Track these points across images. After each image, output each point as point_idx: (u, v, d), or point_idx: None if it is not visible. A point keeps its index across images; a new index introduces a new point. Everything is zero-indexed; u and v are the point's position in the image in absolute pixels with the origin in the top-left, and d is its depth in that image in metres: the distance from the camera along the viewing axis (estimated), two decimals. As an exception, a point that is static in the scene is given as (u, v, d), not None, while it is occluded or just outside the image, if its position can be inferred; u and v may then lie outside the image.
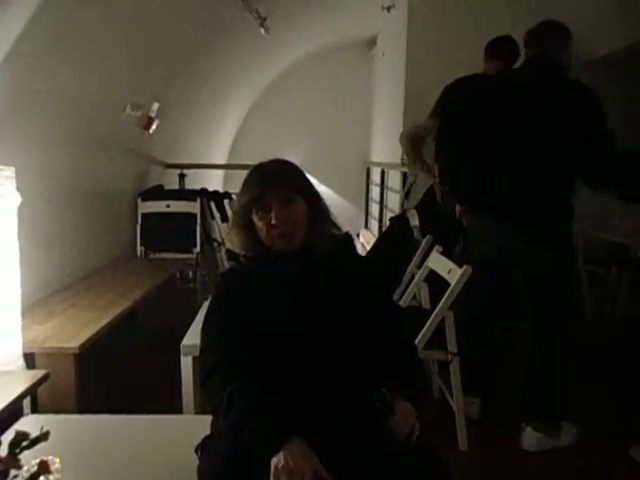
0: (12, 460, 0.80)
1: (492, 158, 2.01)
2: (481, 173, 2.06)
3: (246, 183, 1.19)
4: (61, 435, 1.35)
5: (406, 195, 3.14)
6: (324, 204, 1.21)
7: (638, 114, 3.37)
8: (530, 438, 2.02)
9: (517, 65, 2.44)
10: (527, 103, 1.93)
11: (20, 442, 0.83)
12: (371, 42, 6.09)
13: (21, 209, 1.69)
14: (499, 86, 2.08)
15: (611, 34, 3.16)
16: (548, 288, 2.00)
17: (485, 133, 2.04)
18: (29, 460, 0.94)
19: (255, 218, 1.15)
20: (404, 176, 3.57)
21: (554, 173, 1.93)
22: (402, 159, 3.27)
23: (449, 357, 1.99)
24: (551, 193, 1.95)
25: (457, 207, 2.30)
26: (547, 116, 1.89)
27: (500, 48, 2.58)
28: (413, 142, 2.93)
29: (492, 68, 2.59)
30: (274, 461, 0.94)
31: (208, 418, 1.19)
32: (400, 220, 3.07)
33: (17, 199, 1.66)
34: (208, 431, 1.18)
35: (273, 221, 1.12)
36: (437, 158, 2.68)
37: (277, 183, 1.15)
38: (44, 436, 0.87)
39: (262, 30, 3.68)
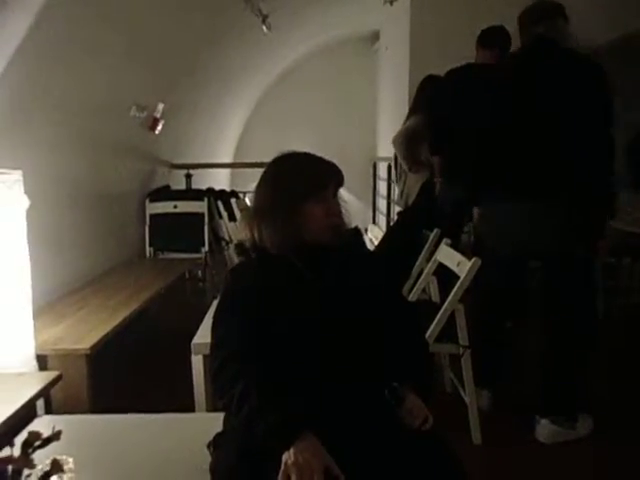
0: (25, 460, 0.80)
1: (518, 141, 1.96)
2: (506, 158, 2.00)
3: (300, 170, 1.17)
4: (75, 435, 1.37)
5: (401, 195, 3.16)
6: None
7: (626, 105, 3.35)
8: (546, 430, 2.01)
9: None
10: (543, 84, 1.91)
11: (33, 442, 0.84)
12: (374, 37, 6.06)
13: (30, 212, 1.70)
14: (511, 69, 2.06)
15: (598, 27, 3.13)
16: (571, 278, 1.96)
17: (504, 118, 1.99)
18: (43, 460, 0.95)
19: (313, 207, 1.13)
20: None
21: (583, 151, 1.89)
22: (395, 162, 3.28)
23: (460, 350, 1.98)
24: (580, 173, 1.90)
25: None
26: (566, 95, 1.88)
27: (493, 38, 2.57)
28: (410, 142, 2.92)
29: (484, 57, 2.58)
30: (284, 457, 0.93)
31: (220, 416, 1.19)
32: (409, 214, 3.06)
33: (25, 203, 1.67)
34: (220, 428, 1.18)
35: (333, 210, 1.14)
36: (435, 151, 2.68)
37: (336, 175, 1.17)
38: (56, 436, 0.88)
39: (264, 28, 3.67)
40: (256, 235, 1.18)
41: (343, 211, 1.18)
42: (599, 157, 1.87)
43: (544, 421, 2.01)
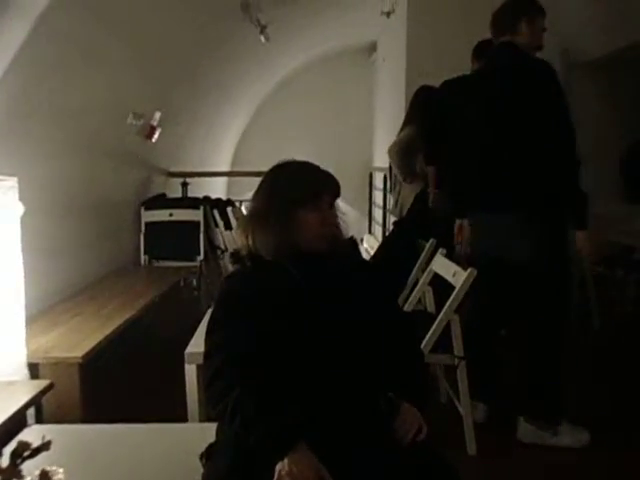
0: (13, 470, 0.79)
1: (485, 153, 2.05)
2: (476, 169, 2.09)
3: (296, 178, 1.17)
4: (66, 445, 1.35)
5: (395, 204, 3.18)
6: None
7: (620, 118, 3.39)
8: (522, 428, 2.03)
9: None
10: (501, 93, 1.98)
11: (22, 452, 0.82)
12: (371, 48, 6.12)
13: (24, 219, 1.70)
14: (477, 83, 2.14)
15: (596, 40, 3.17)
16: (536, 281, 2.01)
17: (474, 129, 2.08)
18: (33, 471, 0.93)
19: (307, 215, 1.13)
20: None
21: (536, 158, 1.94)
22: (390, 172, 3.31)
23: (455, 361, 1.97)
24: (537, 177, 1.95)
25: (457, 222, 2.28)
26: (517, 103, 1.94)
27: (485, 50, 2.60)
28: (405, 153, 2.93)
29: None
30: (278, 467, 0.92)
31: (213, 426, 1.18)
32: (404, 224, 3.06)
33: (20, 209, 1.67)
34: (213, 439, 1.17)
35: (329, 219, 1.13)
36: (429, 162, 2.71)
37: (333, 184, 1.17)
38: (45, 446, 0.86)
39: (262, 38, 3.70)
40: (250, 241, 1.18)
41: (340, 222, 1.18)
42: (563, 165, 1.91)
43: (521, 419, 2.04)
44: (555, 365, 2.04)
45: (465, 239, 2.23)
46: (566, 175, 1.91)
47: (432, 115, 2.67)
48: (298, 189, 1.15)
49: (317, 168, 1.21)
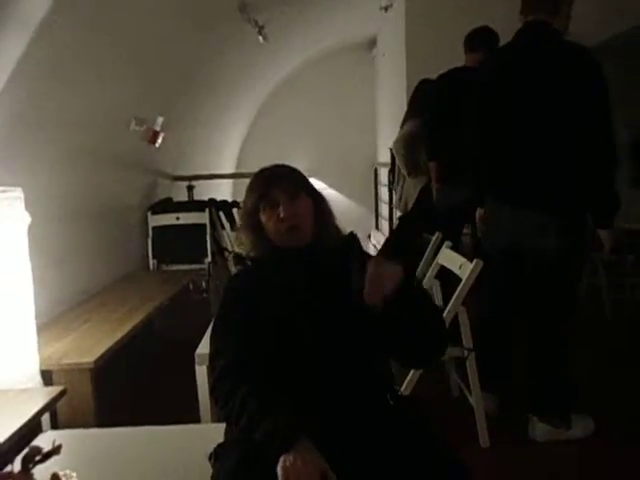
0: (25, 475, 0.80)
1: (514, 142, 1.94)
2: (500, 159, 1.98)
3: (251, 186, 1.23)
4: (80, 449, 1.37)
5: (400, 199, 3.17)
6: (328, 204, 1.24)
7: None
8: (537, 429, 2.00)
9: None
10: (544, 76, 1.86)
11: (33, 457, 0.84)
12: (371, 43, 6.10)
13: (31, 229, 1.72)
14: (502, 65, 1.99)
15: (598, 24, 3.14)
16: (553, 276, 1.96)
17: (499, 117, 1.96)
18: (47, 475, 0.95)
19: (263, 216, 1.18)
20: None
21: (571, 150, 1.86)
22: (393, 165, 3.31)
23: (465, 353, 1.97)
24: (570, 173, 1.87)
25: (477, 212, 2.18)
26: (557, 88, 1.85)
27: (478, 40, 2.58)
28: (410, 147, 2.92)
29: (472, 60, 2.60)
30: (282, 459, 0.93)
31: (224, 426, 1.19)
32: (409, 218, 3.06)
33: (27, 219, 1.69)
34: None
35: (282, 214, 1.15)
36: (431, 157, 2.69)
37: (282, 180, 1.19)
38: (56, 450, 0.87)
39: (261, 38, 3.71)
40: (242, 245, 1.24)
41: (301, 211, 1.18)
42: (602, 165, 1.84)
43: (535, 419, 2.01)
44: (564, 363, 2.00)
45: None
46: (604, 177, 1.84)
47: (433, 110, 2.65)
48: (252, 196, 1.20)
49: (267, 168, 1.25)
